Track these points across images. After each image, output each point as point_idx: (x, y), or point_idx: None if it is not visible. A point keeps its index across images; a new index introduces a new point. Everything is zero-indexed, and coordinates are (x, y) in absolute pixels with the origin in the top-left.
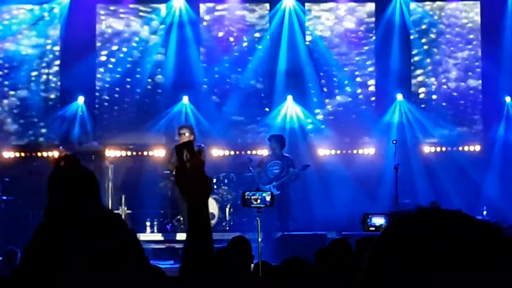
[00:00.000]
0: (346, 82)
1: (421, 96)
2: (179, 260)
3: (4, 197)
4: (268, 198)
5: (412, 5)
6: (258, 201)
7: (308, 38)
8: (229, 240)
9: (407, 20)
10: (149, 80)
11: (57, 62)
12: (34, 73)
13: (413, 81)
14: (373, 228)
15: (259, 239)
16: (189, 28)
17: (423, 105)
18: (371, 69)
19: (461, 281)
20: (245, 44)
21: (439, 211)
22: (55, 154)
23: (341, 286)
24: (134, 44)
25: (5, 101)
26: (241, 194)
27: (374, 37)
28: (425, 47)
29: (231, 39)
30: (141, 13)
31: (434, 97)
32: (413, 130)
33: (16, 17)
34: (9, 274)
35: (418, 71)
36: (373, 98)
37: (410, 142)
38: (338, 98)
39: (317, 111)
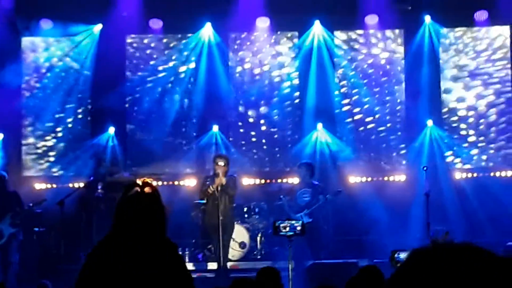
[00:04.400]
0: (376, 109)
1: (452, 122)
2: None
3: (36, 229)
4: (298, 227)
5: (442, 30)
6: (288, 229)
7: (337, 64)
8: (259, 269)
9: (436, 46)
10: (179, 109)
11: (87, 93)
12: (65, 105)
13: (443, 106)
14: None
15: (290, 267)
16: (218, 57)
17: (453, 130)
18: (400, 95)
19: None
20: (274, 72)
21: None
22: (87, 184)
23: None
24: (164, 74)
25: (41, 135)
26: (272, 222)
27: (403, 63)
28: (456, 73)
29: (260, 67)
30: (170, 43)
31: (464, 125)
32: (444, 156)
33: (47, 49)
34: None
35: (448, 96)
36: (401, 125)
37: (440, 168)
38: (368, 125)
39: (347, 138)
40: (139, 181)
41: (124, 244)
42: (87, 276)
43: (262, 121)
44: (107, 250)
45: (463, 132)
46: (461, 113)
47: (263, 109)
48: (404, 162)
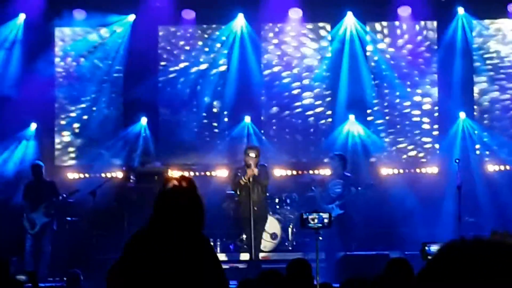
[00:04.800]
0: (408, 101)
1: (484, 114)
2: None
3: (69, 218)
4: (326, 219)
5: (475, 22)
6: (315, 221)
7: (369, 56)
8: (289, 261)
9: (469, 38)
10: (211, 100)
11: (120, 83)
12: (98, 95)
13: (476, 98)
14: (431, 257)
15: (317, 259)
16: (250, 48)
17: (486, 122)
18: (433, 87)
19: None
20: (306, 63)
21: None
22: (119, 174)
23: None
24: (195, 65)
25: (73, 124)
26: (300, 215)
27: (436, 55)
28: (489, 66)
29: (292, 58)
30: (202, 34)
31: (497, 113)
32: (476, 148)
33: (81, 39)
34: None
35: (481, 88)
36: (433, 117)
37: (473, 160)
38: (400, 116)
39: (379, 130)
40: (177, 175)
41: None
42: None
43: (294, 112)
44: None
45: (495, 124)
46: (495, 105)
47: (295, 100)
48: (436, 154)
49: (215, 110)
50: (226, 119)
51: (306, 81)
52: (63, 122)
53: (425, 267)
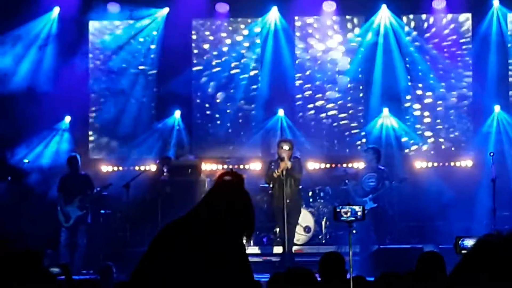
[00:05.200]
0: (443, 93)
1: None
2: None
3: (103, 211)
4: (359, 212)
5: (510, 15)
6: (348, 214)
7: (403, 48)
8: (323, 254)
9: (504, 31)
10: (244, 93)
11: (154, 76)
12: (132, 88)
13: (511, 92)
14: (465, 251)
15: (350, 253)
16: (284, 40)
17: None
18: (468, 80)
19: None
20: (340, 56)
21: None
22: (153, 167)
23: None
24: (229, 58)
25: (107, 117)
26: (333, 208)
27: (471, 48)
28: None
29: (326, 51)
30: (236, 27)
31: None
32: (511, 141)
33: (114, 32)
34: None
35: None
36: (468, 110)
37: (508, 154)
38: (435, 109)
39: (413, 123)
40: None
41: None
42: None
43: (328, 106)
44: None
45: None
46: None
47: (328, 93)
48: (471, 147)
49: (248, 103)
50: (259, 113)
51: (339, 74)
52: (96, 115)
53: (460, 261)
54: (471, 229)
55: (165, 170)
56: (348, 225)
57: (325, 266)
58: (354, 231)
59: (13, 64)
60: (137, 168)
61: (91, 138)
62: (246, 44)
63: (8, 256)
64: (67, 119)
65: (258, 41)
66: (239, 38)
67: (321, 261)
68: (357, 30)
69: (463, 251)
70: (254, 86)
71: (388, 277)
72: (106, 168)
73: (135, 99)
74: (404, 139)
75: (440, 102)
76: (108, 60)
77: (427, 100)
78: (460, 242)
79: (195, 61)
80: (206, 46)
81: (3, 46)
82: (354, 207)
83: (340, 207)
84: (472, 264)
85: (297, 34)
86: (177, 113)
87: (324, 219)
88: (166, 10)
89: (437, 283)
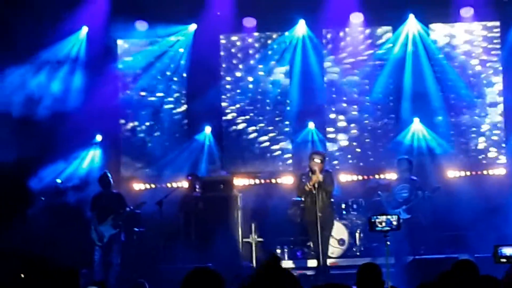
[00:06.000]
0: (473, 103)
1: None
2: None
3: (136, 229)
4: (394, 222)
5: None
6: (384, 224)
7: (433, 58)
8: (359, 265)
9: None
10: (275, 107)
11: (183, 93)
12: (161, 105)
13: None
14: (504, 260)
15: (387, 263)
16: (312, 53)
17: None
18: (498, 87)
19: None
20: (368, 68)
21: None
22: (185, 184)
23: None
24: (258, 72)
25: (138, 135)
26: (368, 218)
27: (500, 55)
28: None
29: (354, 62)
30: (264, 41)
31: None
32: None
33: (143, 50)
34: None
35: None
36: (502, 118)
37: None
38: (466, 118)
39: (444, 131)
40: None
41: None
42: None
43: (359, 116)
44: None
45: None
46: None
47: (359, 105)
48: (504, 155)
49: (278, 117)
50: (290, 127)
51: (369, 85)
52: (128, 133)
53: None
54: (506, 237)
55: (197, 186)
56: (383, 235)
57: (363, 277)
58: (388, 242)
59: (44, 87)
60: (169, 185)
61: (123, 156)
62: (275, 58)
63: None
64: (99, 137)
65: (287, 56)
66: (267, 52)
67: (359, 273)
68: (386, 41)
69: (502, 260)
70: (284, 99)
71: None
72: (138, 186)
73: (166, 116)
74: (435, 149)
75: (471, 110)
76: (138, 78)
77: (457, 108)
78: (498, 250)
79: (224, 76)
80: (234, 61)
81: (33, 68)
82: (389, 217)
83: (375, 217)
84: None
85: (325, 46)
86: (208, 129)
87: (358, 231)
88: (193, 26)
89: None
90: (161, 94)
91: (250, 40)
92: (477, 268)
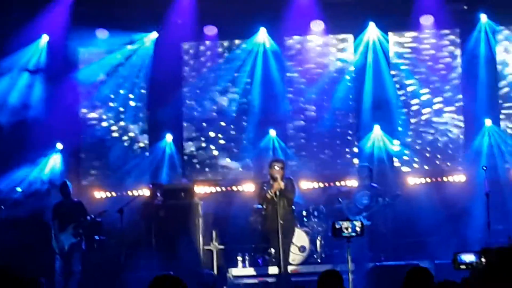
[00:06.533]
0: (432, 111)
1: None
2: None
3: (97, 237)
4: (358, 227)
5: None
6: (349, 229)
7: (393, 66)
8: (320, 272)
9: (493, 45)
10: (235, 115)
11: (144, 101)
12: (122, 113)
13: (501, 105)
14: (464, 266)
15: (349, 269)
16: (273, 62)
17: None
18: (458, 95)
19: None
20: (329, 76)
21: None
22: (146, 192)
23: None
24: (219, 80)
25: (98, 143)
26: (331, 224)
27: (460, 63)
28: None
29: (315, 70)
30: (225, 49)
31: None
32: (504, 155)
33: (104, 58)
34: None
35: (505, 90)
36: (461, 125)
37: (500, 167)
38: (426, 125)
39: (404, 139)
40: None
41: None
42: None
43: (318, 125)
44: None
45: None
46: None
47: (319, 113)
48: (463, 162)
49: (239, 124)
50: (251, 135)
51: (329, 94)
52: (88, 141)
53: (482, 271)
54: (466, 244)
55: (158, 194)
56: (347, 240)
57: (324, 284)
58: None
59: (3, 95)
60: (130, 193)
61: (83, 164)
62: (236, 66)
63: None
64: (59, 146)
65: (248, 63)
66: (228, 60)
67: (320, 280)
68: (346, 49)
69: (461, 266)
70: (245, 107)
71: None
72: (99, 194)
73: (126, 124)
74: (396, 156)
75: (430, 118)
76: (99, 86)
77: (417, 116)
78: (457, 257)
79: (185, 84)
80: (196, 69)
81: None
82: (353, 222)
83: (340, 222)
84: (494, 274)
85: (286, 53)
86: (169, 137)
87: (319, 238)
88: (155, 34)
89: None
90: (122, 102)
91: (211, 48)
92: (431, 275)
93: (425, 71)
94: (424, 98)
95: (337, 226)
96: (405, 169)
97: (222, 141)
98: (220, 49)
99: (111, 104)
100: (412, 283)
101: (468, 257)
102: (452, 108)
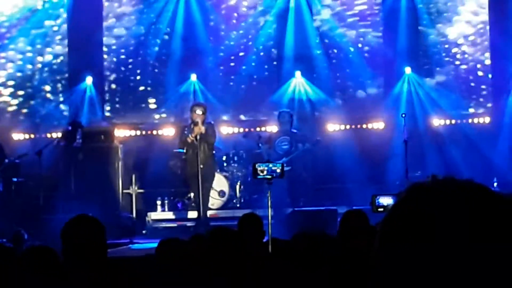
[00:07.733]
0: (351, 55)
1: (431, 68)
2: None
3: (15, 179)
4: (278, 170)
5: None
6: (267, 172)
7: (315, 13)
8: (239, 217)
9: None
10: (156, 59)
11: (65, 43)
12: (42, 57)
13: (422, 54)
14: (382, 209)
15: (269, 212)
16: (195, 5)
17: (430, 78)
18: (379, 41)
19: (478, 254)
20: (251, 20)
21: (453, 181)
22: (65, 134)
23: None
24: (140, 24)
25: (16, 82)
26: (252, 165)
27: (381, 10)
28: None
29: (237, 15)
30: None
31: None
32: (422, 103)
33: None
34: None
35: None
36: (380, 72)
37: (419, 115)
38: (347, 73)
39: (325, 85)
40: None
41: None
42: None
43: (240, 70)
44: None
45: (441, 78)
46: (439, 60)
47: (241, 58)
48: (382, 109)
49: (160, 69)
50: (172, 79)
51: (251, 38)
52: (2, 80)
53: (392, 209)
54: (384, 190)
55: (77, 137)
56: (266, 182)
57: (244, 227)
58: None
59: None
60: (49, 135)
61: (1, 106)
62: (157, 9)
63: None
64: None
65: (170, 7)
66: (150, 3)
67: (240, 223)
68: None
69: (379, 209)
70: (166, 51)
71: (304, 237)
72: (17, 136)
73: (46, 65)
74: (316, 102)
75: (351, 65)
76: (16, 29)
77: (338, 63)
78: (376, 200)
79: (106, 28)
80: (117, 12)
81: None
82: (273, 164)
83: (260, 164)
84: (406, 210)
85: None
86: (89, 80)
87: (239, 183)
88: None
89: (359, 242)
90: (42, 45)
91: None
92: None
93: (347, 18)
94: (344, 45)
95: (257, 167)
96: (325, 115)
97: (143, 85)
98: None
99: (27, 47)
100: (348, 224)
101: (386, 200)
102: (372, 55)
